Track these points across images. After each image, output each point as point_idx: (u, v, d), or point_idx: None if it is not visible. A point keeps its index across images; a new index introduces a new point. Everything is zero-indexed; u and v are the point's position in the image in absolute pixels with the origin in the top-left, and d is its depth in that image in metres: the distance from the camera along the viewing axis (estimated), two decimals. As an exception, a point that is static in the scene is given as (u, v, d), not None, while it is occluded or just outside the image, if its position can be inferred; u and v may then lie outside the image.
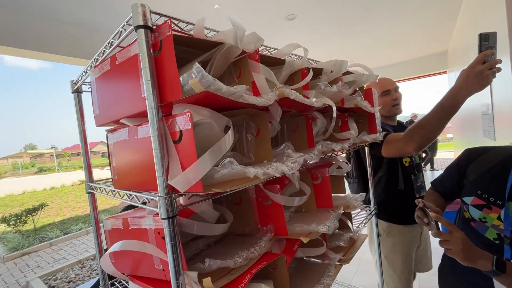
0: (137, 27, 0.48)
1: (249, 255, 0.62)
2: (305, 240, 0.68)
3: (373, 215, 1.38)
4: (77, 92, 0.90)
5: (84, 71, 0.79)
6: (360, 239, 1.06)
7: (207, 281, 0.51)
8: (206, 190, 0.46)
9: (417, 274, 1.65)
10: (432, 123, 1.01)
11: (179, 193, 0.50)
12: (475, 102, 3.03)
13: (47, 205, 6.48)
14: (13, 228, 5.39)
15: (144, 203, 0.59)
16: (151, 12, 0.50)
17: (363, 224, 1.23)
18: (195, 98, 0.50)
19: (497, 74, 0.88)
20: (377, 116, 1.24)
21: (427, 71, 6.32)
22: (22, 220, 5.43)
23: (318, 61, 1.02)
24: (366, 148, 1.41)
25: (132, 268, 0.68)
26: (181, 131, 0.48)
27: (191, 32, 0.59)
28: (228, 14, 0.56)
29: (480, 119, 2.83)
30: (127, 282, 0.86)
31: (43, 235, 5.23)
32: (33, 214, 5.55)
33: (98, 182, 0.92)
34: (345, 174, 1.75)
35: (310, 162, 0.74)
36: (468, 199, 0.90)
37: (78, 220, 6.47)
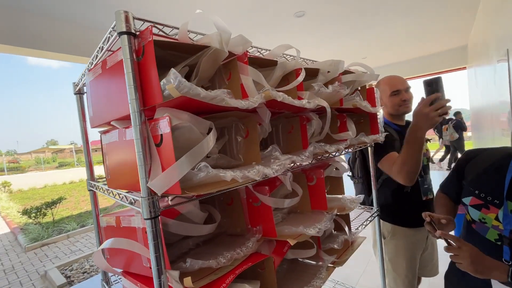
0: (120, 33, 0.50)
1: (234, 256, 0.62)
2: (291, 242, 0.68)
3: (375, 217, 1.35)
4: (79, 93, 0.93)
5: (82, 74, 0.82)
6: (358, 241, 1.04)
7: (188, 280, 0.52)
8: (184, 192, 0.47)
9: (427, 279, 1.60)
10: (410, 157, 1.08)
11: (162, 195, 0.52)
12: (494, 100, 2.89)
13: (65, 198, 6.78)
14: (34, 220, 5.69)
15: (133, 202, 0.62)
16: (134, 18, 0.51)
17: (364, 226, 1.21)
18: (176, 102, 0.51)
19: None
20: (379, 116, 1.21)
21: (445, 67, 6.08)
22: (42, 212, 5.71)
23: (315, 61, 1.00)
24: (369, 148, 1.38)
25: (124, 264, 0.71)
26: (161, 135, 0.49)
27: (178, 37, 0.60)
28: (212, 18, 0.56)
29: (498, 118, 2.70)
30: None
31: (61, 227, 5.48)
32: (52, 207, 5.83)
33: (98, 180, 0.96)
34: (350, 174, 1.73)
35: (302, 163, 0.73)
36: (467, 200, 0.89)
37: (94, 213, 6.72)
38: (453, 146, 6.91)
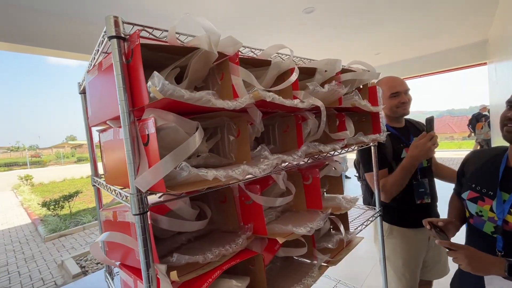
0: (110, 37, 0.52)
1: (222, 252, 0.64)
2: (280, 240, 0.69)
3: (376, 217, 1.33)
4: (83, 93, 0.97)
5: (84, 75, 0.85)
6: (354, 241, 1.04)
7: (173, 274, 0.54)
8: (167, 190, 0.49)
9: (436, 280, 1.56)
10: (402, 180, 1.27)
11: (149, 192, 0.54)
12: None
13: (82, 192, 7.07)
14: (52, 212, 5.98)
15: (125, 199, 0.64)
16: (124, 22, 0.53)
17: (364, 226, 1.20)
18: (163, 103, 0.52)
19: None
20: (381, 116, 1.19)
21: (464, 62, 5.81)
22: (60, 205, 5.99)
23: (312, 60, 1.00)
24: (372, 148, 1.36)
25: (121, 257, 0.74)
26: (148, 135, 0.51)
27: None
28: (200, 20, 0.57)
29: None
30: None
31: (77, 219, 5.73)
32: (69, 200, 6.10)
33: (102, 176, 1.00)
34: (357, 175, 1.71)
35: (293, 163, 0.74)
36: (465, 195, 0.94)
37: (109, 207, 6.97)
38: (487, 145, 6.44)
